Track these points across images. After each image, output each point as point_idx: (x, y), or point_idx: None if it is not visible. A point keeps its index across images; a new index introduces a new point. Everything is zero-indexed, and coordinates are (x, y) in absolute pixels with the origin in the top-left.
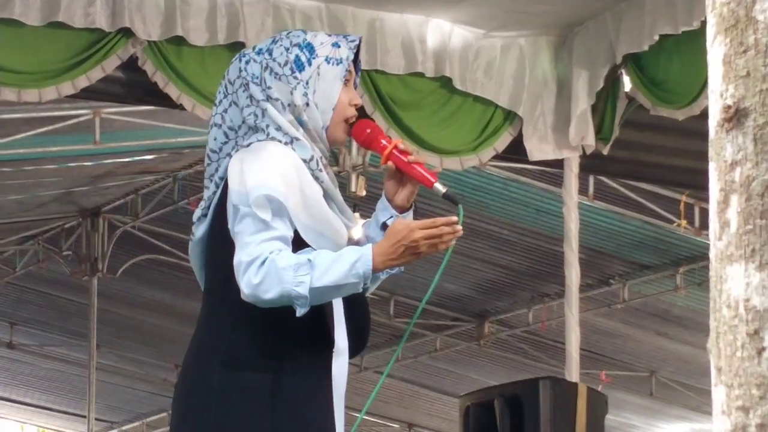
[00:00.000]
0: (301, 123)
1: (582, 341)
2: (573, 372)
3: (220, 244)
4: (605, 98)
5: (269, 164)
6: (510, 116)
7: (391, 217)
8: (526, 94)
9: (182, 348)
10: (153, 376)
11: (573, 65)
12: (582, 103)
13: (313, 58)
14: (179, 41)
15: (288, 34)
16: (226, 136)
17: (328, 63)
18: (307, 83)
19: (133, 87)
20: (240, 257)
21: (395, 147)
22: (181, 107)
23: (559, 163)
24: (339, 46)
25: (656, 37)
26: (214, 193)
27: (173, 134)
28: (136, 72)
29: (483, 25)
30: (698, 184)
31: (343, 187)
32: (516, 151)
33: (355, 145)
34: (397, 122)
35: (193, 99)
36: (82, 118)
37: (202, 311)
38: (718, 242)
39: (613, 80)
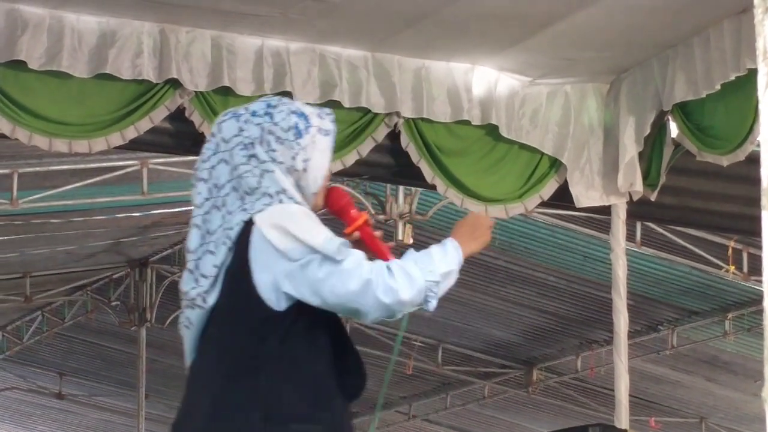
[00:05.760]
0: (298, 187)
1: (631, 387)
2: (622, 418)
3: (247, 306)
4: (652, 144)
5: (312, 218)
6: (556, 164)
7: None
8: (572, 141)
9: None
10: None
11: (620, 112)
12: (630, 149)
13: (310, 127)
14: (226, 91)
15: (279, 99)
16: (210, 192)
17: (320, 133)
18: (305, 150)
19: (180, 137)
20: (361, 277)
21: (366, 221)
22: None
23: (606, 210)
24: (322, 118)
25: (718, 86)
26: (226, 257)
27: None
28: (184, 122)
29: (529, 72)
30: (746, 230)
31: (390, 235)
32: (563, 197)
33: (402, 193)
34: (442, 170)
35: None
36: (129, 169)
37: (218, 369)
38: None
39: (659, 126)
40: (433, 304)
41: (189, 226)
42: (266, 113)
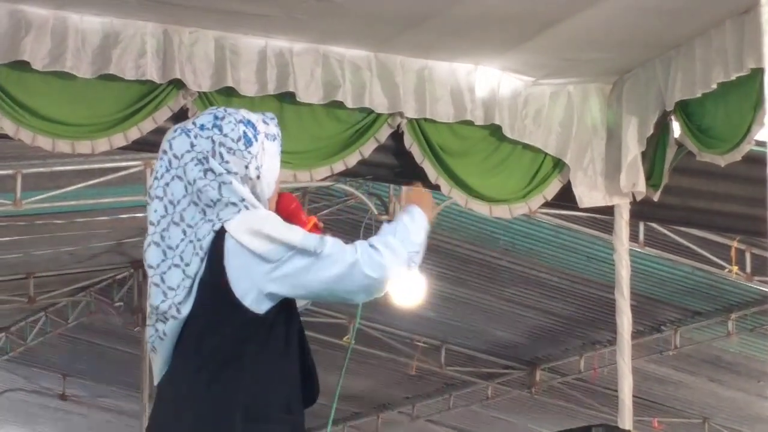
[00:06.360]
0: (255, 195)
1: (634, 388)
2: (626, 419)
3: (226, 312)
4: (655, 144)
5: (281, 220)
6: (559, 164)
7: None
8: (575, 141)
9: None
10: None
11: (623, 112)
12: (632, 149)
13: (258, 134)
14: (229, 92)
15: (225, 110)
16: (166, 209)
17: (268, 139)
18: (256, 158)
19: None
20: (346, 260)
21: (315, 224)
22: None
23: (609, 210)
24: (267, 123)
25: (714, 86)
26: (199, 267)
27: None
28: None
29: (532, 72)
30: (749, 230)
31: None
32: (566, 198)
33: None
34: (446, 170)
35: None
36: (133, 170)
37: (199, 375)
38: None
39: (662, 126)
40: (414, 268)
41: (146, 243)
42: (214, 125)
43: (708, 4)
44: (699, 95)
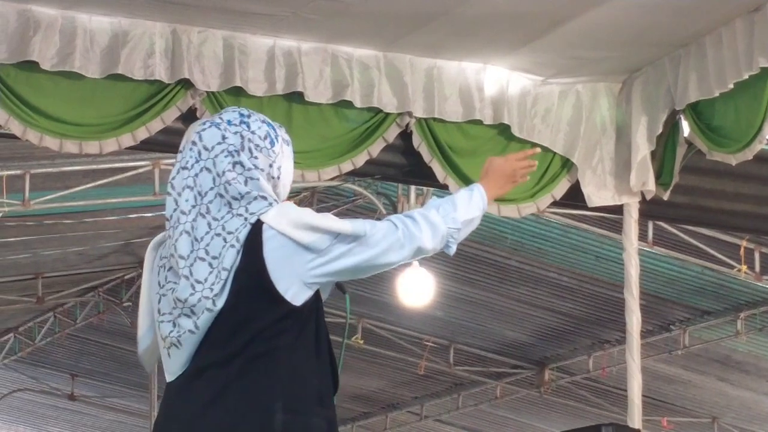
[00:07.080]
0: (276, 194)
1: (643, 387)
2: (635, 419)
3: (264, 304)
4: (665, 144)
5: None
6: (568, 163)
7: None
8: (583, 140)
9: None
10: None
11: (632, 111)
12: (642, 148)
13: (278, 136)
14: (238, 91)
15: (248, 109)
16: (195, 200)
17: (284, 142)
18: (278, 157)
19: None
20: (388, 239)
21: None
22: None
23: (618, 209)
24: (281, 128)
25: (731, 85)
26: (235, 260)
27: None
28: None
29: (541, 71)
30: (759, 229)
31: None
32: (575, 197)
33: (413, 193)
34: (454, 170)
35: None
36: (141, 170)
37: (230, 367)
38: None
39: (672, 125)
40: (453, 250)
41: (177, 232)
42: (242, 122)
43: (717, 2)
44: (717, 95)
